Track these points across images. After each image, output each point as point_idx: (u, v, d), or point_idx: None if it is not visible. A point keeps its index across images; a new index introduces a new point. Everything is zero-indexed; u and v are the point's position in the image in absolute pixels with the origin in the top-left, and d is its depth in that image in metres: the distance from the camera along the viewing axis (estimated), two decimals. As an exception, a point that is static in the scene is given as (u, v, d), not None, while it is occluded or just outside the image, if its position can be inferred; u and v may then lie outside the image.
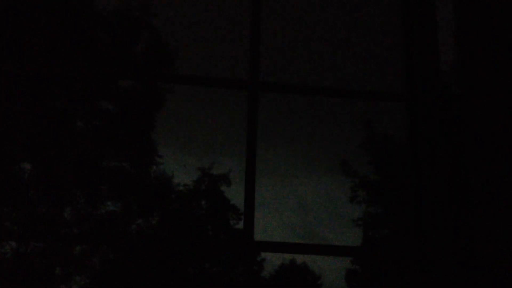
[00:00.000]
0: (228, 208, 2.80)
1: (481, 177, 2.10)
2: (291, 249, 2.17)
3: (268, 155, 2.42)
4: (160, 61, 2.47)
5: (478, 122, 2.17)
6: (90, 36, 2.33)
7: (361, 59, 2.57)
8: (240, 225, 2.78)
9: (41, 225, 2.18)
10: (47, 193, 2.31)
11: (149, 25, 2.52)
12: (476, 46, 2.25)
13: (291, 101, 2.58)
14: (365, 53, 2.58)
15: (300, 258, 2.97)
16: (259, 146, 2.22)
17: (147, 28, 2.50)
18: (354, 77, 2.54)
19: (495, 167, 2.10)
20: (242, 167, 2.22)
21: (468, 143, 2.15)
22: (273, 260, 2.91)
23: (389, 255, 2.17)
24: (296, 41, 2.55)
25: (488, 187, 2.09)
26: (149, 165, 2.63)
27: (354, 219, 2.74)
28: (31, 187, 2.32)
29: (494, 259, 2.01)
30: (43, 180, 2.29)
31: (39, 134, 2.20)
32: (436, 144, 2.24)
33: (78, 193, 2.52)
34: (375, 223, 2.89)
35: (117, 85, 2.55)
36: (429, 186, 2.19)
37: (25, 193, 2.32)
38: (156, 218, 2.76)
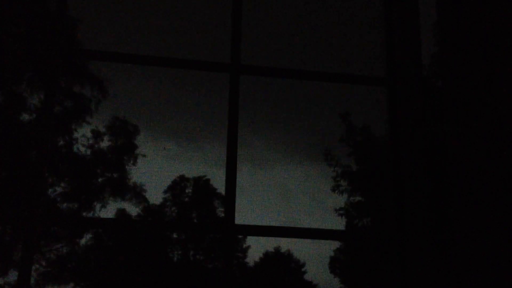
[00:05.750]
0: (209, 193, 2.80)
1: (460, 167, 2.10)
2: (270, 233, 2.18)
3: (250, 141, 2.41)
4: (141, 44, 2.46)
5: (457, 113, 2.17)
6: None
7: (343, 44, 2.58)
8: (222, 210, 2.78)
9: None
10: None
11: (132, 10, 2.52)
12: (457, 38, 2.25)
13: (274, 89, 2.58)
14: (347, 39, 2.59)
15: (284, 247, 2.97)
16: (241, 132, 2.22)
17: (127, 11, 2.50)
18: (337, 63, 2.55)
19: (474, 157, 2.11)
20: (223, 152, 2.22)
21: (448, 132, 2.15)
22: (258, 248, 2.91)
23: (369, 242, 2.17)
24: (279, 25, 2.55)
25: (467, 176, 2.09)
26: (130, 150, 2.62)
27: (336, 207, 2.74)
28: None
29: (472, 243, 2.02)
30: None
31: None
32: (416, 131, 2.25)
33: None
34: (356, 210, 2.90)
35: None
36: (409, 174, 2.20)
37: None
38: (137, 206, 2.75)
